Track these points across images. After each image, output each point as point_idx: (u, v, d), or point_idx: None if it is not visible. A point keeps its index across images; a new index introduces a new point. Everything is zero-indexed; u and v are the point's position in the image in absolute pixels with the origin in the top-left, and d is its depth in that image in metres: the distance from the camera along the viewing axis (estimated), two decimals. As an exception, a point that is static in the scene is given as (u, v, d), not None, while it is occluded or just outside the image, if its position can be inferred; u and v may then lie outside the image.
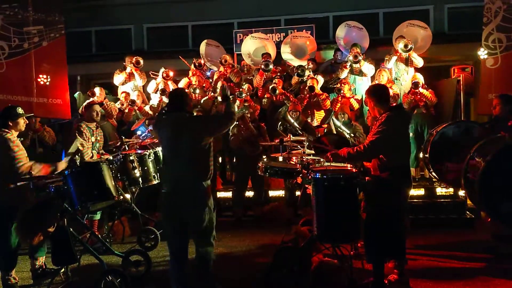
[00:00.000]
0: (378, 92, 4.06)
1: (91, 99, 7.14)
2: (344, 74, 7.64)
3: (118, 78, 7.98)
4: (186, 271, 3.85)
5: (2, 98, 7.21)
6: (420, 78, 7.13)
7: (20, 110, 4.54)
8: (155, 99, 7.93)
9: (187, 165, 3.72)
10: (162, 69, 7.93)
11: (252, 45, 8.34)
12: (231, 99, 4.16)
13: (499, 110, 5.39)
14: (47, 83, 7.56)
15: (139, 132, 6.38)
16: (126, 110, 7.54)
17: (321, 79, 7.70)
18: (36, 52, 7.53)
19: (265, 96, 7.69)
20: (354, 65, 7.58)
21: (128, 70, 7.94)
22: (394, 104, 4.13)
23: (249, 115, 6.97)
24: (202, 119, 4.02)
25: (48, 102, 7.58)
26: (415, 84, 6.92)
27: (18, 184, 4.06)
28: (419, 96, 6.98)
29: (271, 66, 7.61)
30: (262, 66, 7.60)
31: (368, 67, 7.53)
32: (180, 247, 3.85)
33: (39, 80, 7.48)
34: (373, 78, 7.59)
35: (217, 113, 4.22)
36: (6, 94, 7.32)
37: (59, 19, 7.76)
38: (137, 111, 7.62)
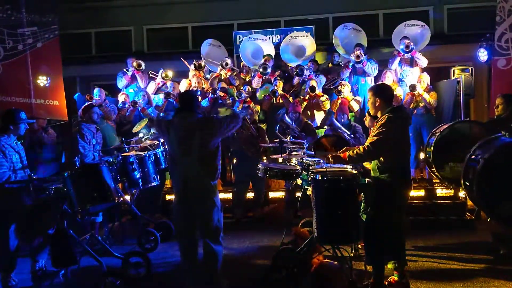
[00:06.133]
0: (386, 92, 4.04)
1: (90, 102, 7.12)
2: (346, 74, 7.62)
3: (121, 82, 7.99)
4: (198, 268, 3.98)
5: (1, 100, 7.21)
6: (426, 79, 7.11)
7: (24, 116, 4.59)
8: (158, 100, 7.92)
9: (197, 164, 3.87)
10: (161, 70, 7.92)
11: (250, 46, 8.32)
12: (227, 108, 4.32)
13: (502, 110, 5.36)
14: (46, 84, 7.55)
15: (141, 135, 6.36)
16: (128, 113, 7.52)
17: (323, 79, 7.69)
18: (31, 53, 7.51)
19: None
20: (356, 65, 7.55)
21: (130, 73, 7.95)
22: (395, 105, 4.11)
23: (248, 116, 6.97)
24: (213, 120, 4.11)
25: (45, 104, 7.57)
26: (412, 87, 6.91)
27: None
28: (419, 98, 6.98)
29: (269, 70, 7.57)
30: (260, 69, 7.54)
31: (371, 67, 7.49)
32: (190, 246, 4.00)
33: (37, 81, 7.47)
34: (377, 78, 7.58)
35: (225, 116, 4.34)
36: (4, 96, 7.32)
37: (53, 19, 7.71)
38: (140, 112, 7.61)
